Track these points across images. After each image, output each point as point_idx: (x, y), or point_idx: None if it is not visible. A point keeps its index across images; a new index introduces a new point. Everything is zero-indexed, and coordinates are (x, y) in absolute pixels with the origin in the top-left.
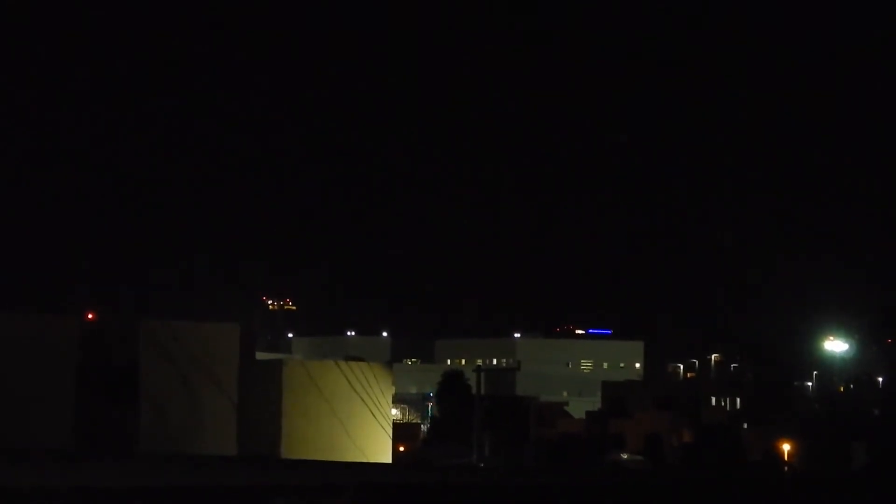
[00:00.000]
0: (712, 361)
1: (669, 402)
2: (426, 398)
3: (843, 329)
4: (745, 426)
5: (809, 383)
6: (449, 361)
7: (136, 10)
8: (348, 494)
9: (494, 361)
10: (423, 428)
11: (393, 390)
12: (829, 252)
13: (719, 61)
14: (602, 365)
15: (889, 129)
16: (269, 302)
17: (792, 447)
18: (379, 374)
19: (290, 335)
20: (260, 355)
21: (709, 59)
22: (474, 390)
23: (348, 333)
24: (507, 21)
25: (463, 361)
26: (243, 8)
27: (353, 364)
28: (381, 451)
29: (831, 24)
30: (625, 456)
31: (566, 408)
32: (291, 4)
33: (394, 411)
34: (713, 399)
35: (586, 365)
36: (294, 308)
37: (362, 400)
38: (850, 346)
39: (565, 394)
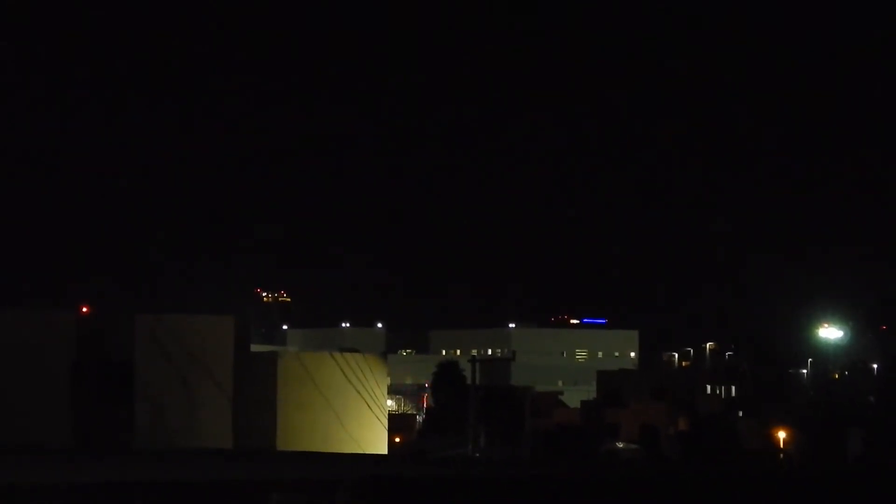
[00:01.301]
0: (707, 350)
1: (665, 391)
2: (421, 389)
3: (838, 316)
4: (741, 415)
5: (804, 371)
6: (444, 352)
7: (136, 10)
8: (346, 491)
9: (489, 351)
10: (419, 419)
11: (388, 381)
12: (823, 240)
13: (716, 56)
14: (597, 354)
15: (882, 120)
16: (264, 294)
17: (787, 435)
18: (374, 365)
19: (285, 327)
20: (255, 348)
21: (706, 54)
22: (469, 381)
23: (343, 325)
24: (507, 21)
25: (458, 352)
26: (243, 8)
27: (348, 355)
28: (376, 442)
29: (831, 23)
30: (621, 445)
31: (561, 397)
32: (292, 4)
33: (389, 402)
34: (708, 388)
35: (581, 354)
36: (288, 300)
37: (357, 391)
38: (845, 333)
39: (560, 383)
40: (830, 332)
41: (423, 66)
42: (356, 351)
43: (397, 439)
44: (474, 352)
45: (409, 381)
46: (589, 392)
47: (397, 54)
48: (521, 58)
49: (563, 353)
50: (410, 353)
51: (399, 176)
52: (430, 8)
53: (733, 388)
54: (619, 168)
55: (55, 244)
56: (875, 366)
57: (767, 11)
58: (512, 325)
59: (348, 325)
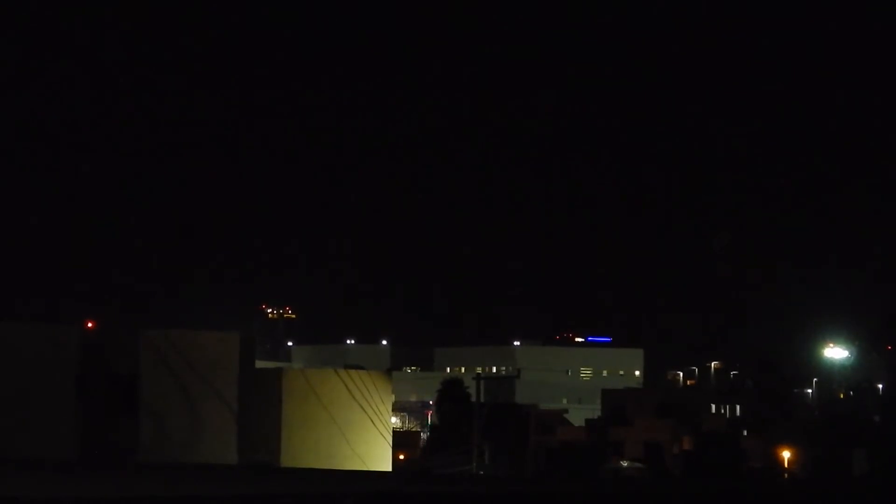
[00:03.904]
0: (712, 369)
1: (669, 409)
2: (426, 406)
3: (843, 336)
4: (746, 434)
5: (809, 390)
6: (448, 369)
7: (134, 10)
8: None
9: (494, 369)
10: (423, 436)
11: (392, 398)
12: (828, 259)
13: (719, 66)
14: (602, 372)
15: (889, 133)
16: (269, 310)
17: (792, 454)
18: (378, 382)
19: (290, 344)
20: (259, 364)
21: (709, 63)
22: (474, 398)
23: (348, 342)
24: (508, 20)
25: (462, 369)
26: (242, 7)
27: (353, 372)
28: (380, 459)
29: (832, 25)
30: (625, 464)
31: (566, 415)
32: (290, 4)
33: (393, 419)
34: (713, 406)
35: (586, 373)
36: (293, 316)
37: (362, 408)
38: (851, 352)
39: (565, 401)
40: (835, 352)
41: (423, 67)
42: (361, 368)
43: (401, 456)
44: (479, 369)
45: (413, 398)
46: (593, 410)
47: (397, 54)
48: (519, 60)
49: (567, 372)
50: (415, 370)
51: (406, 194)
52: (430, 7)
53: (738, 406)
54: (624, 186)
55: (61, 258)
56: (880, 385)
57: (768, 12)
58: (517, 343)
59: (353, 341)
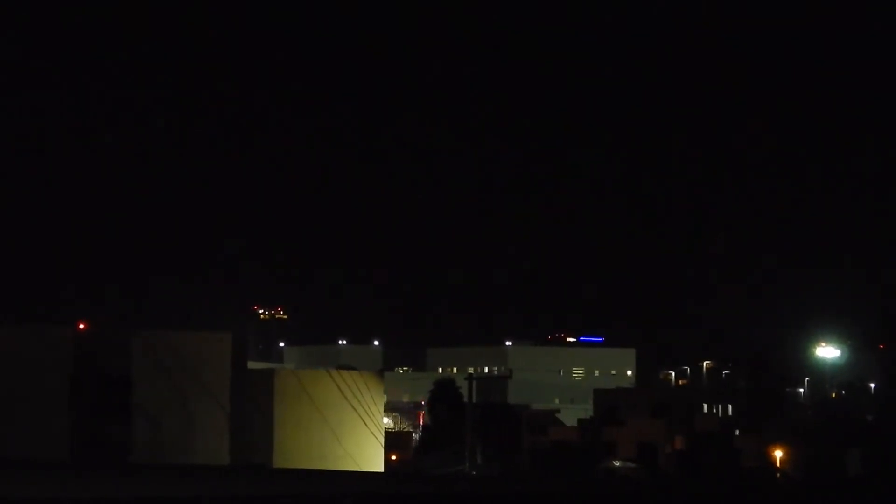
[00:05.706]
0: (704, 368)
1: (662, 409)
2: (418, 406)
3: (836, 335)
4: (738, 433)
5: (801, 390)
6: (440, 369)
7: (130, 10)
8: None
9: (486, 369)
10: (415, 436)
11: (384, 399)
12: (821, 258)
13: (716, 66)
14: (594, 372)
15: (885, 133)
16: (261, 311)
17: (785, 454)
18: (370, 382)
19: (282, 344)
20: (252, 365)
21: (706, 63)
22: (466, 398)
23: (340, 342)
24: (508, 20)
25: (455, 369)
26: (239, 4)
27: (345, 373)
28: (373, 459)
29: (831, 24)
30: (617, 463)
31: (558, 415)
32: (291, 3)
33: (385, 420)
34: (705, 406)
35: (578, 372)
36: (285, 317)
37: (354, 409)
38: (843, 352)
39: (557, 401)
40: (828, 351)
41: (421, 67)
42: (353, 368)
43: (394, 457)
44: (471, 369)
45: (405, 398)
46: (586, 410)
47: (397, 54)
48: (515, 63)
49: (560, 371)
50: (407, 370)
51: (399, 194)
52: (431, 5)
53: (730, 406)
54: (619, 186)
55: (53, 260)
56: (873, 385)
57: (768, 11)
58: (509, 343)
59: (345, 342)
